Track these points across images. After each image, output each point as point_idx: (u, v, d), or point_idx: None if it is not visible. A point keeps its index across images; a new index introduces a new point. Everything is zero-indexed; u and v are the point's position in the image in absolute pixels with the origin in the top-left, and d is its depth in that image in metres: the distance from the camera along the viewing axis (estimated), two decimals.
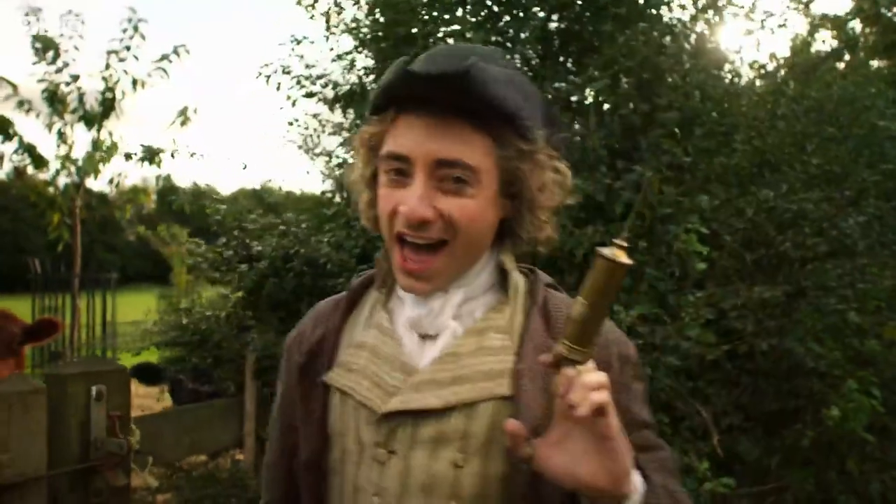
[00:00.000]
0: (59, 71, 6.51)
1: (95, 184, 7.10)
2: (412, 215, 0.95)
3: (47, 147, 6.59)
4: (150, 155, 7.06)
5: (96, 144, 6.69)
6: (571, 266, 2.75)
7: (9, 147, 6.36)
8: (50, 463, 1.64)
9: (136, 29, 6.68)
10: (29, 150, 6.37)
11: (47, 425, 1.64)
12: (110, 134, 6.79)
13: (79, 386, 1.62)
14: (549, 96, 3.17)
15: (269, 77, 3.57)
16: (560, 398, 0.83)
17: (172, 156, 6.97)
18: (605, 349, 1.00)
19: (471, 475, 0.96)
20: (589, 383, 0.81)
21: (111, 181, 7.33)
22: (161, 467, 3.82)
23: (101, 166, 6.82)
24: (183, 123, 7.09)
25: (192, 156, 7.16)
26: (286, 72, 3.60)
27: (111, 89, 6.70)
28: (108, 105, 6.69)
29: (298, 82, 3.58)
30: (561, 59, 3.32)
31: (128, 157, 6.79)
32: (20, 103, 6.52)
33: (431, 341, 1.04)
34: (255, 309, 4.28)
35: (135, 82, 6.78)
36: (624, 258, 0.82)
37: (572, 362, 0.83)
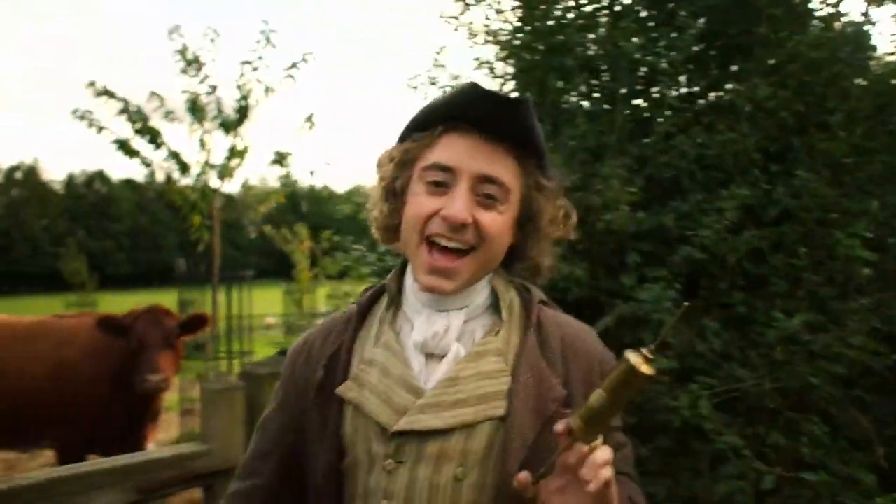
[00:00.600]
0: (200, 82, 6.96)
1: (227, 186, 7.58)
2: (456, 217, 1.07)
3: (189, 153, 7.21)
4: (280, 158, 7.47)
5: (233, 150, 7.11)
6: (723, 271, 2.70)
7: (157, 154, 6.87)
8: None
9: (268, 40, 7.05)
10: (175, 157, 6.86)
11: (245, 418, 1.79)
12: (242, 139, 7.19)
13: (272, 384, 1.77)
14: (702, 101, 3.11)
15: (416, 87, 3.72)
16: (569, 465, 0.96)
17: (298, 161, 7.35)
18: (589, 363, 1.15)
19: (469, 486, 1.07)
20: (598, 462, 0.93)
21: (244, 184, 7.78)
22: None
23: (236, 170, 7.27)
24: (309, 128, 7.46)
25: (312, 172, 7.59)
26: (433, 83, 3.73)
27: (245, 97, 7.10)
28: (242, 112, 7.10)
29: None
30: (708, 61, 3.24)
31: (279, 161, 7.20)
32: (166, 114, 7.02)
33: (436, 362, 1.13)
34: None
35: (266, 90, 7.15)
36: (645, 368, 0.88)
37: (585, 440, 0.94)
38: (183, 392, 7.45)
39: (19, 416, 4.34)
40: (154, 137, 6.70)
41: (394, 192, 1.18)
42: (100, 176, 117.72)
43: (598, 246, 2.84)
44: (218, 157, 7.20)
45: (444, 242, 1.09)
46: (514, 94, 1.18)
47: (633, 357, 0.89)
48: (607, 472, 0.94)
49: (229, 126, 7.05)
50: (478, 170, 1.09)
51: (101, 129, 6.65)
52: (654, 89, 3.10)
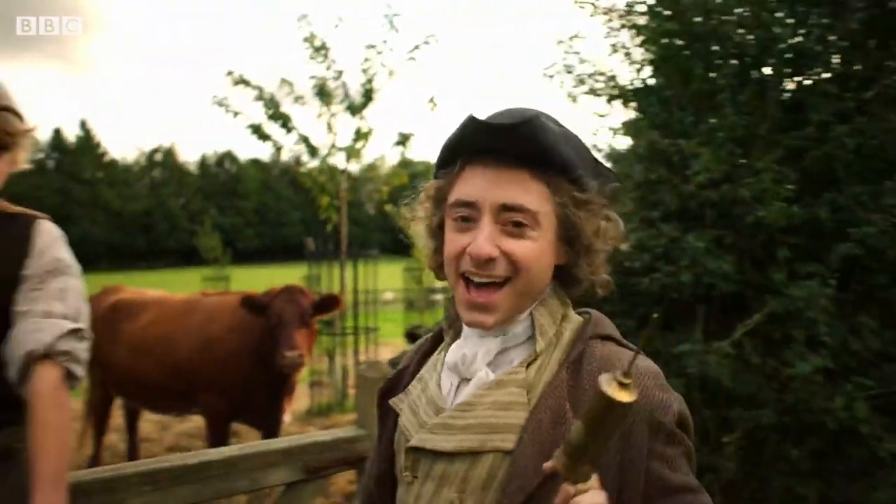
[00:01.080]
0: (327, 68, 7.19)
1: (352, 167, 7.82)
2: (480, 252, 1.04)
3: (316, 136, 7.53)
4: (403, 140, 7.62)
5: (358, 132, 7.31)
6: (881, 265, 2.51)
7: (288, 138, 7.18)
8: None
9: (391, 24, 7.17)
10: (305, 140, 7.15)
11: None
12: (367, 122, 7.37)
13: None
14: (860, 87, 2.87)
15: (552, 76, 3.68)
16: None
17: (421, 142, 7.45)
18: (632, 415, 0.99)
19: None
20: None
21: (368, 165, 8.00)
22: None
23: (361, 152, 7.49)
24: (431, 109, 7.55)
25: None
26: (568, 71, 3.67)
27: (370, 81, 7.27)
28: (367, 95, 7.28)
29: (581, 81, 3.62)
30: (866, 41, 2.98)
31: (402, 142, 7.36)
32: (296, 99, 7.31)
33: (465, 385, 1.12)
34: None
35: (390, 72, 7.29)
36: (621, 395, 0.79)
37: (570, 480, 0.86)
38: (311, 365, 7.83)
39: (173, 385, 4.72)
40: (285, 122, 7.00)
41: (433, 230, 1.19)
42: (229, 156, 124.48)
43: (746, 239, 2.71)
44: (344, 140, 7.45)
45: (475, 279, 1.08)
46: (527, 109, 1.09)
47: (606, 384, 0.80)
48: None
49: (355, 109, 7.25)
50: (498, 200, 1.06)
51: (236, 114, 7.02)
52: (806, 73, 2.89)
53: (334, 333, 8.19)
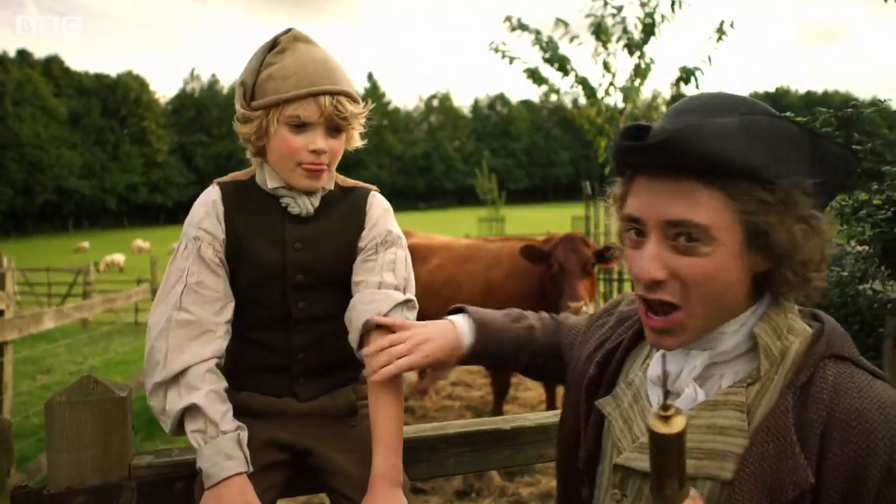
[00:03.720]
0: (605, 4, 6.88)
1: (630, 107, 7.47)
2: (643, 276, 0.98)
3: (592, 76, 7.26)
4: (686, 75, 7.08)
5: (637, 70, 6.95)
6: None
7: (565, 81, 7.07)
8: None
9: None
10: (583, 82, 6.98)
11: None
12: (651, 60, 6.96)
13: None
14: None
15: None
16: None
17: (708, 76, 6.85)
18: (863, 457, 0.88)
19: None
20: None
21: (649, 104, 7.59)
22: None
23: (639, 91, 7.12)
24: (719, 39, 6.89)
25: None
26: None
27: (650, 14, 6.83)
28: (647, 31, 6.86)
29: None
30: None
31: (682, 79, 6.89)
32: (571, 39, 7.14)
33: (673, 399, 1.03)
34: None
35: (673, 3, 6.76)
36: (663, 428, 0.79)
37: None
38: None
39: None
40: (563, 65, 6.89)
41: (621, 237, 1.10)
42: (500, 98, 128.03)
43: None
44: (621, 79, 7.14)
45: (647, 298, 1.00)
46: (686, 120, 0.96)
47: (651, 419, 0.81)
48: None
49: (634, 46, 6.89)
50: (663, 216, 0.97)
51: (512, 59, 7.06)
52: None
53: (611, 279, 8.09)
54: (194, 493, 1.40)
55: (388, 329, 1.42)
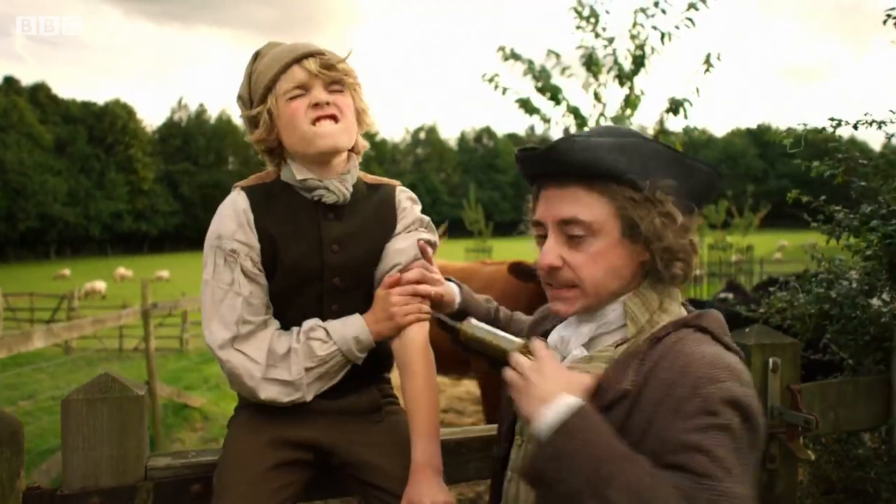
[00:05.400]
0: (596, 36, 7.01)
1: None
2: (543, 262, 1.26)
3: (583, 107, 7.36)
4: (675, 106, 7.19)
5: (628, 100, 7.06)
6: None
7: (556, 111, 7.16)
8: None
9: None
10: (574, 112, 7.07)
11: None
12: (641, 91, 7.08)
13: (758, 356, 1.69)
14: None
15: None
16: None
17: (696, 106, 6.95)
18: (677, 377, 1.10)
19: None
20: None
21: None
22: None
23: (629, 120, 7.22)
24: (706, 71, 7.01)
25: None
26: None
27: (640, 47, 6.95)
28: (638, 62, 6.98)
29: None
30: None
31: (671, 110, 6.99)
32: (563, 70, 7.25)
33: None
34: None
35: (662, 36, 6.89)
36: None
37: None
38: None
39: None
40: (555, 94, 6.98)
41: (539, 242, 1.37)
42: (487, 131, 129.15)
43: None
44: (611, 110, 7.24)
45: (551, 288, 1.29)
46: (567, 136, 1.25)
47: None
48: None
49: (625, 77, 7.01)
50: (555, 216, 1.25)
51: (505, 90, 7.15)
52: None
53: None
54: (213, 486, 1.39)
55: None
